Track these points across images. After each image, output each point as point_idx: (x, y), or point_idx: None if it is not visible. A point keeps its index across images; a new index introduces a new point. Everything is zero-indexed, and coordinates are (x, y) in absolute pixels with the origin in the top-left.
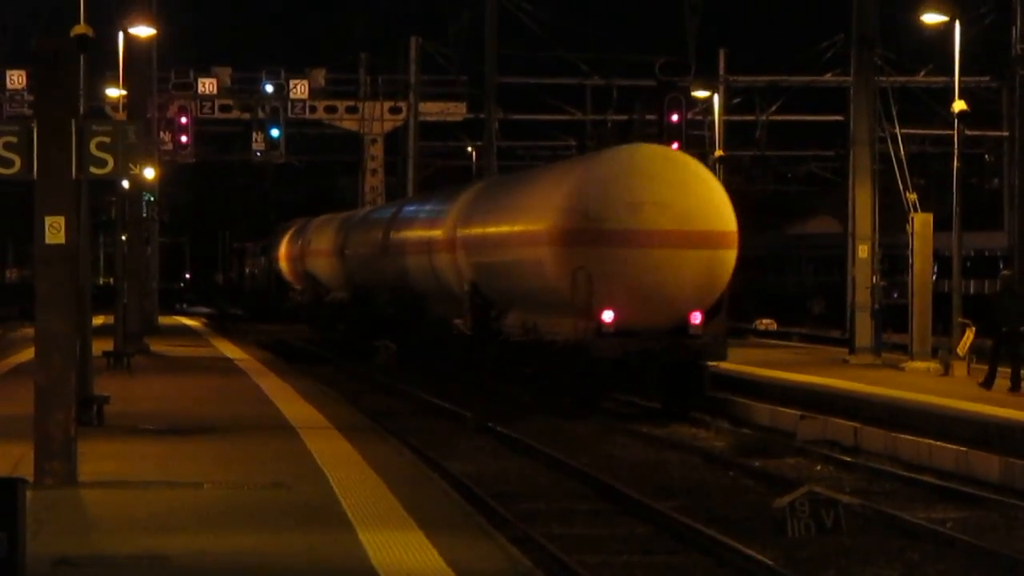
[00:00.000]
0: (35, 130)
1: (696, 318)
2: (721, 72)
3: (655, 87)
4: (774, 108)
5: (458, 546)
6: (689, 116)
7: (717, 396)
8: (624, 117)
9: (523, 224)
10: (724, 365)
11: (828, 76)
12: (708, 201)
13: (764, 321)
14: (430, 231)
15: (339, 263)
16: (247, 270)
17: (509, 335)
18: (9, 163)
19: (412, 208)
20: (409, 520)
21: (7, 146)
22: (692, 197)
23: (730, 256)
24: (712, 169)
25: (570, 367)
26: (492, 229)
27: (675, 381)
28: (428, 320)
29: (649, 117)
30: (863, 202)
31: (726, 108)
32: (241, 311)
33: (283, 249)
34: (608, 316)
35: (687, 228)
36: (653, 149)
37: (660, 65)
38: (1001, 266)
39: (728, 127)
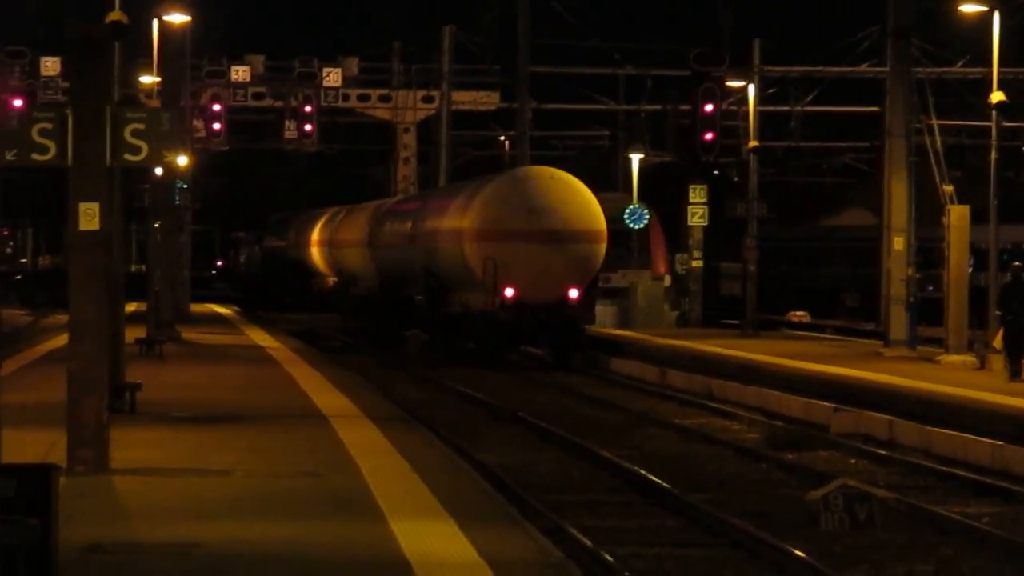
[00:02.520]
0: (70, 117)
1: (574, 293)
2: (756, 62)
3: (689, 77)
4: (809, 99)
5: (489, 536)
6: (723, 106)
7: (747, 387)
8: (658, 107)
9: (450, 224)
10: (763, 357)
11: (864, 67)
12: (583, 208)
13: (797, 313)
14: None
15: (368, 253)
16: (241, 258)
17: (450, 308)
18: (44, 149)
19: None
20: (440, 510)
21: (42, 132)
22: (570, 205)
23: (600, 248)
24: (746, 159)
25: (482, 330)
26: (436, 226)
27: (558, 339)
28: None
29: (683, 107)
30: (898, 194)
31: (760, 99)
32: (240, 295)
33: (312, 236)
34: (509, 292)
35: (566, 228)
36: (542, 170)
37: (694, 55)
38: None
39: (762, 118)
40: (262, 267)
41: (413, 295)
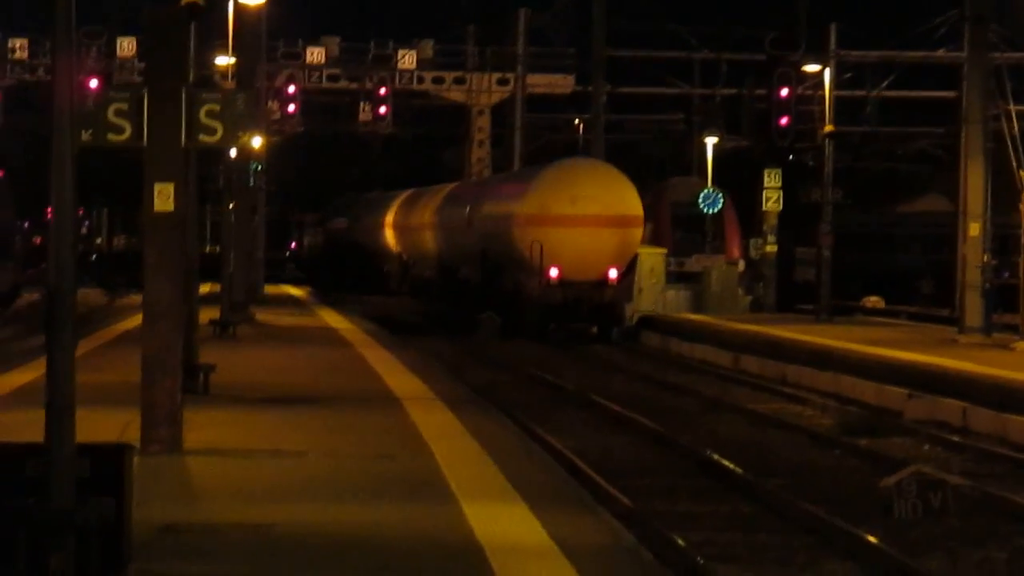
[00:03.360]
0: (145, 97)
1: (612, 274)
2: (832, 47)
3: (765, 61)
4: (885, 84)
5: (562, 520)
6: (799, 91)
7: (821, 372)
8: (733, 91)
9: (502, 209)
10: (837, 343)
11: (941, 52)
12: (621, 195)
13: (872, 299)
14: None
15: (429, 236)
16: (305, 240)
17: (503, 287)
18: (119, 130)
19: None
20: (513, 493)
21: (118, 113)
22: (610, 193)
23: (637, 232)
24: (821, 144)
25: (530, 308)
26: (490, 211)
27: (599, 315)
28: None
29: (758, 92)
30: (975, 180)
31: (836, 83)
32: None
33: (377, 219)
34: (554, 272)
35: (606, 213)
36: (585, 161)
37: (771, 39)
38: None
39: (838, 103)
40: (325, 249)
41: (470, 276)
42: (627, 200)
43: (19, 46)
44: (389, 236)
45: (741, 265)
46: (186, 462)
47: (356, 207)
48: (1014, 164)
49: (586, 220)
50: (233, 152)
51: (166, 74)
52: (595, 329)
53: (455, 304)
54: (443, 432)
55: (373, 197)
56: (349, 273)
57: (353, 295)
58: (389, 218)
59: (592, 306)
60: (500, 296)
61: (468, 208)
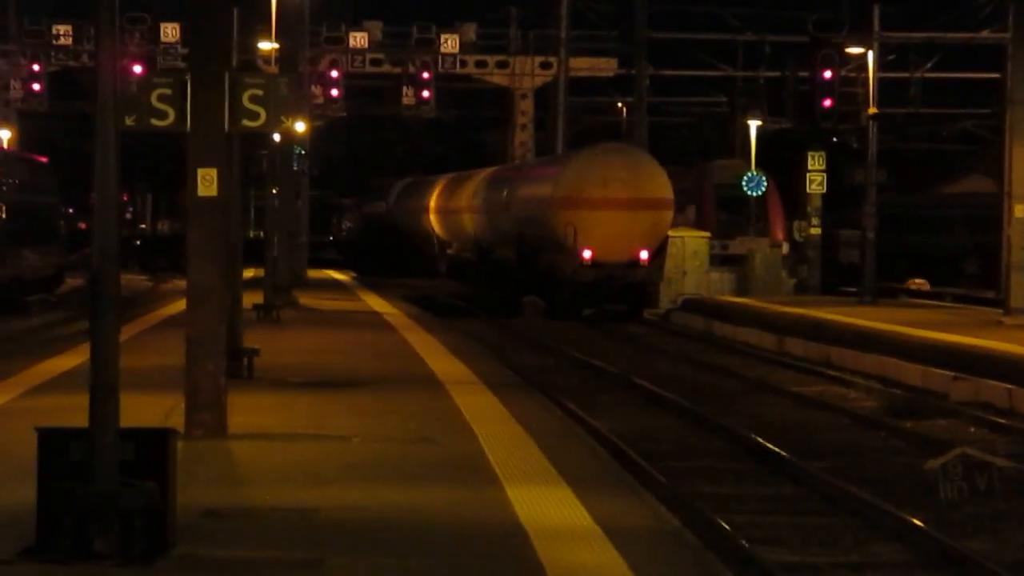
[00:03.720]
0: (189, 82)
1: (644, 255)
2: (875, 28)
3: (808, 43)
4: (929, 65)
5: (606, 503)
6: (842, 73)
7: (865, 354)
8: (776, 73)
9: (538, 192)
10: (882, 325)
11: (985, 33)
12: (652, 179)
13: (916, 281)
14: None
15: (467, 218)
16: (344, 224)
17: (539, 267)
18: (163, 115)
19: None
20: (556, 476)
21: (161, 98)
22: (641, 177)
23: (667, 215)
24: (865, 126)
25: (565, 288)
26: (526, 194)
27: (630, 295)
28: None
29: (801, 73)
30: (1019, 161)
31: (880, 65)
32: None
33: (414, 202)
34: (587, 254)
35: (637, 196)
36: (616, 145)
37: (814, 21)
38: None
39: (882, 84)
40: (363, 232)
41: (506, 257)
42: (657, 183)
43: (63, 32)
44: (427, 219)
45: (785, 247)
46: (230, 446)
47: (394, 191)
48: None
49: (618, 203)
50: (276, 136)
51: (209, 59)
52: (625, 308)
53: (492, 285)
54: (486, 415)
55: (411, 181)
56: (387, 256)
57: (395, 278)
58: (427, 202)
59: (624, 286)
60: (536, 277)
61: (505, 192)
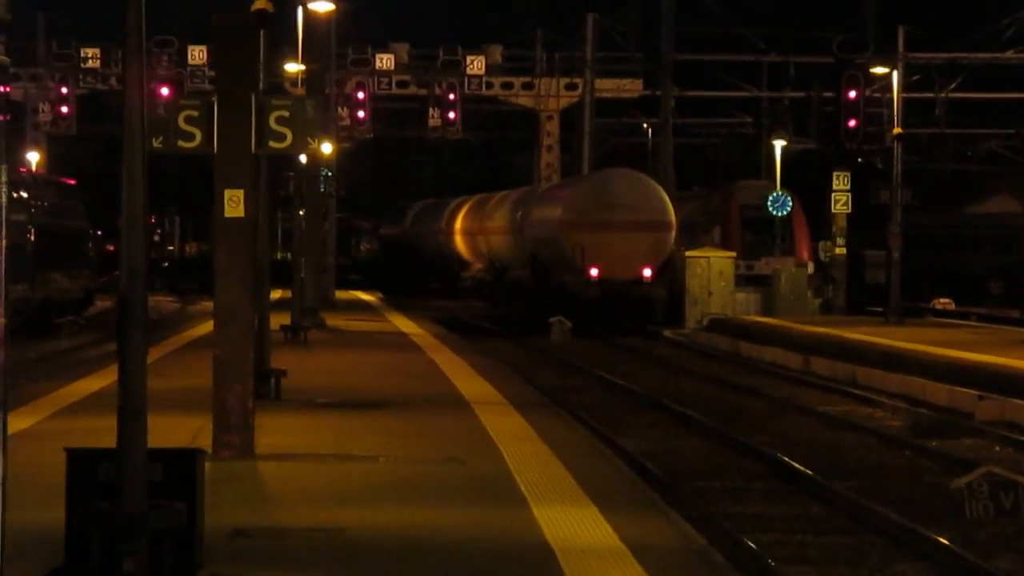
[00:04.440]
0: (215, 104)
1: (647, 272)
2: (900, 49)
3: (833, 64)
4: (953, 85)
5: (632, 523)
6: (867, 93)
7: (891, 374)
8: (801, 94)
9: (548, 215)
10: (907, 345)
11: (1009, 53)
12: (655, 202)
13: (942, 301)
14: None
15: (482, 240)
16: (362, 245)
17: (550, 285)
18: (190, 137)
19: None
20: (583, 496)
21: (188, 120)
22: (644, 200)
23: (669, 235)
24: (890, 146)
25: (574, 303)
26: (537, 217)
27: (635, 311)
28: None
29: (826, 94)
30: None
31: (905, 85)
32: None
33: (432, 225)
34: (594, 272)
35: (641, 219)
36: (621, 170)
37: (838, 42)
38: None
39: (906, 105)
40: (381, 254)
41: (520, 277)
42: (659, 206)
43: (92, 55)
44: (442, 240)
45: (810, 267)
46: (257, 467)
47: (410, 213)
48: None
49: (622, 225)
50: (303, 158)
51: (236, 81)
52: (631, 321)
53: (507, 303)
54: (513, 435)
55: (427, 204)
56: (404, 276)
57: (419, 298)
58: (442, 224)
59: (629, 302)
60: (548, 294)
61: (519, 214)
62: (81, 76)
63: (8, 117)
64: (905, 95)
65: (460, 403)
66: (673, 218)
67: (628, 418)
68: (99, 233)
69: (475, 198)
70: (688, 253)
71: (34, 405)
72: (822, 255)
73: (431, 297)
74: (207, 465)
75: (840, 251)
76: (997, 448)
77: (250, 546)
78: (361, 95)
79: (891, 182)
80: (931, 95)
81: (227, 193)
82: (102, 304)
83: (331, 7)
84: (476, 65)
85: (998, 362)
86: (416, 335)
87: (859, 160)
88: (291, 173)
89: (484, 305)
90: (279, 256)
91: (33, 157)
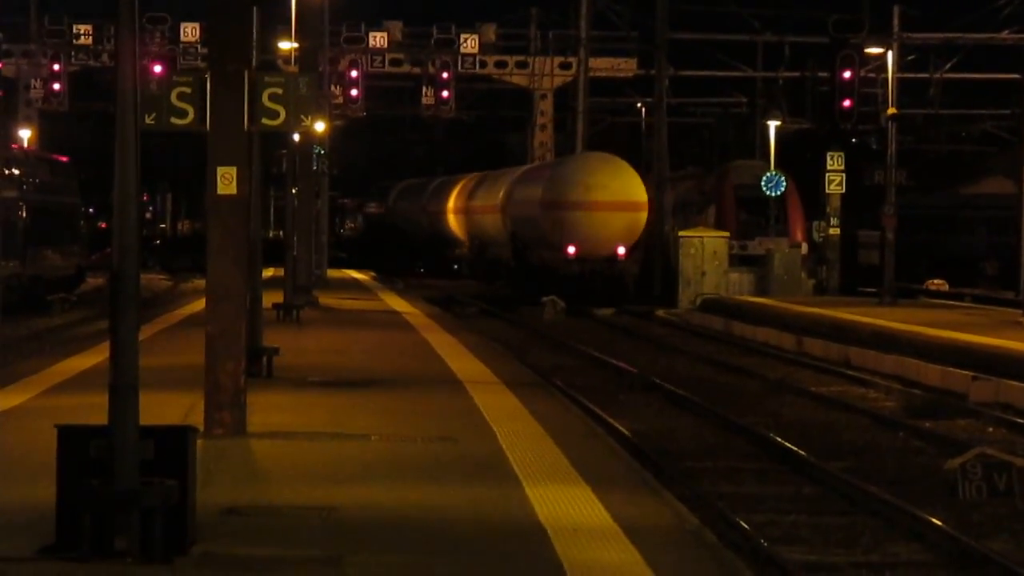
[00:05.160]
0: (208, 81)
1: (621, 250)
2: (895, 29)
3: (828, 44)
4: (949, 66)
5: (625, 502)
6: (862, 74)
7: (885, 355)
8: (796, 74)
9: (528, 196)
10: (901, 325)
11: (1005, 33)
12: (628, 184)
13: (935, 282)
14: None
15: (465, 220)
16: (346, 223)
17: (529, 262)
18: (182, 113)
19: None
20: (576, 476)
21: (181, 96)
22: (618, 181)
23: (642, 216)
24: (885, 127)
25: (552, 279)
26: (518, 198)
27: (609, 285)
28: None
29: (821, 74)
30: None
31: (900, 65)
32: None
33: (414, 204)
34: (571, 249)
35: (615, 199)
36: (596, 154)
37: (833, 22)
38: None
39: (901, 85)
40: (364, 232)
41: (500, 254)
42: (633, 188)
43: (84, 31)
44: (423, 219)
45: (804, 248)
46: (250, 445)
47: (392, 193)
48: None
49: (597, 205)
50: (296, 136)
51: (229, 57)
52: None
53: (488, 279)
54: (506, 415)
55: (408, 184)
56: (385, 253)
57: (415, 278)
58: (424, 203)
59: (604, 278)
60: (527, 271)
61: (500, 194)
62: (73, 53)
63: (1, 93)
64: (900, 75)
65: (453, 382)
66: (646, 199)
67: (621, 398)
68: (91, 211)
69: (454, 178)
70: (682, 233)
71: (25, 382)
72: (816, 235)
73: (423, 276)
74: (199, 443)
75: (834, 232)
76: (991, 429)
77: (242, 524)
78: (354, 73)
79: (886, 162)
80: (926, 75)
81: (220, 170)
82: (94, 281)
83: None
84: (470, 44)
85: (992, 343)
86: (408, 314)
87: (853, 140)
88: (284, 151)
89: (476, 284)
90: (272, 234)
91: (25, 134)
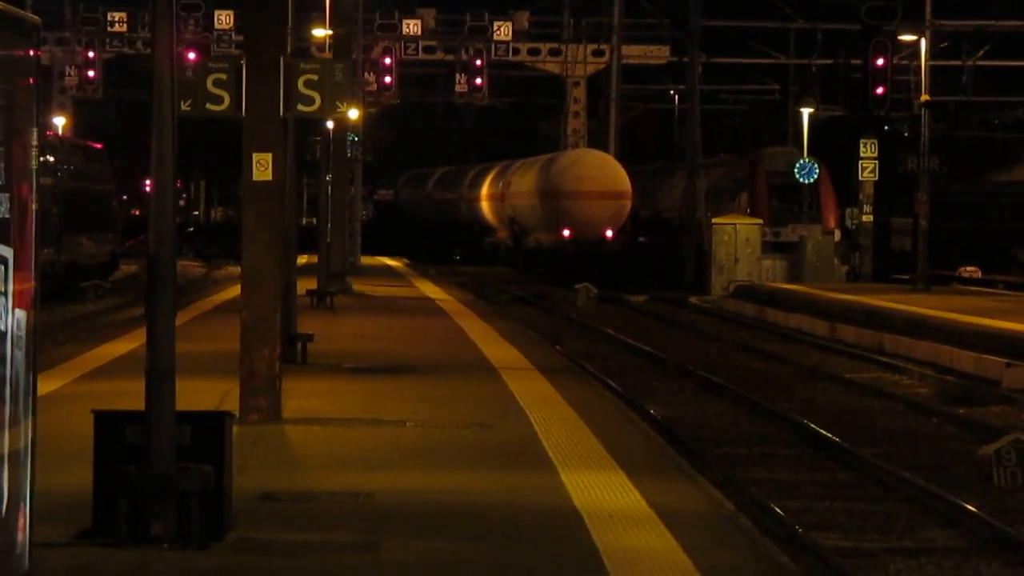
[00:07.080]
0: (244, 67)
1: (609, 233)
2: (928, 16)
3: (860, 31)
4: (981, 53)
5: (660, 488)
6: (894, 61)
7: (918, 341)
8: (828, 61)
9: (527, 187)
10: (934, 312)
11: None
12: (615, 176)
13: (968, 269)
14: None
15: (469, 207)
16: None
17: (527, 245)
18: (218, 100)
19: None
20: (611, 461)
21: (216, 83)
22: (606, 174)
23: (627, 203)
24: (918, 113)
25: (549, 259)
26: (517, 188)
27: (599, 264)
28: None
29: (854, 61)
30: None
31: (932, 53)
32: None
33: (420, 192)
34: (566, 233)
35: (604, 189)
36: (588, 151)
37: (866, 9)
38: None
39: (934, 72)
40: (374, 218)
41: (501, 238)
42: (619, 179)
43: (118, 19)
44: (428, 206)
45: (837, 235)
46: (285, 431)
47: (400, 180)
48: None
49: (588, 195)
50: (330, 123)
51: (264, 44)
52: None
53: (490, 261)
54: (540, 400)
55: (415, 172)
56: (394, 239)
57: (447, 265)
58: (429, 190)
59: (595, 257)
60: (526, 252)
61: (501, 184)
62: (107, 40)
63: (38, 80)
64: (933, 62)
65: (487, 368)
66: (630, 188)
67: (655, 384)
68: (124, 198)
69: (459, 168)
70: (715, 220)
71: (61, 368)
72: (849, 222)
73: (457, 264)
74: (235, 428)
75: (867, 218)
76: None
77: (278, 509)
78: (388, 60)
79: (919, 149)
80: (959, 62)
81: (255, 156)
82: (127, 268)
83: None
84: (503, 31)
85: None
86: (442, 300)
87: (886, 127)
88: (317, 138)
89: (510, 271)
90: (305, 222)
91: (59, 121)
